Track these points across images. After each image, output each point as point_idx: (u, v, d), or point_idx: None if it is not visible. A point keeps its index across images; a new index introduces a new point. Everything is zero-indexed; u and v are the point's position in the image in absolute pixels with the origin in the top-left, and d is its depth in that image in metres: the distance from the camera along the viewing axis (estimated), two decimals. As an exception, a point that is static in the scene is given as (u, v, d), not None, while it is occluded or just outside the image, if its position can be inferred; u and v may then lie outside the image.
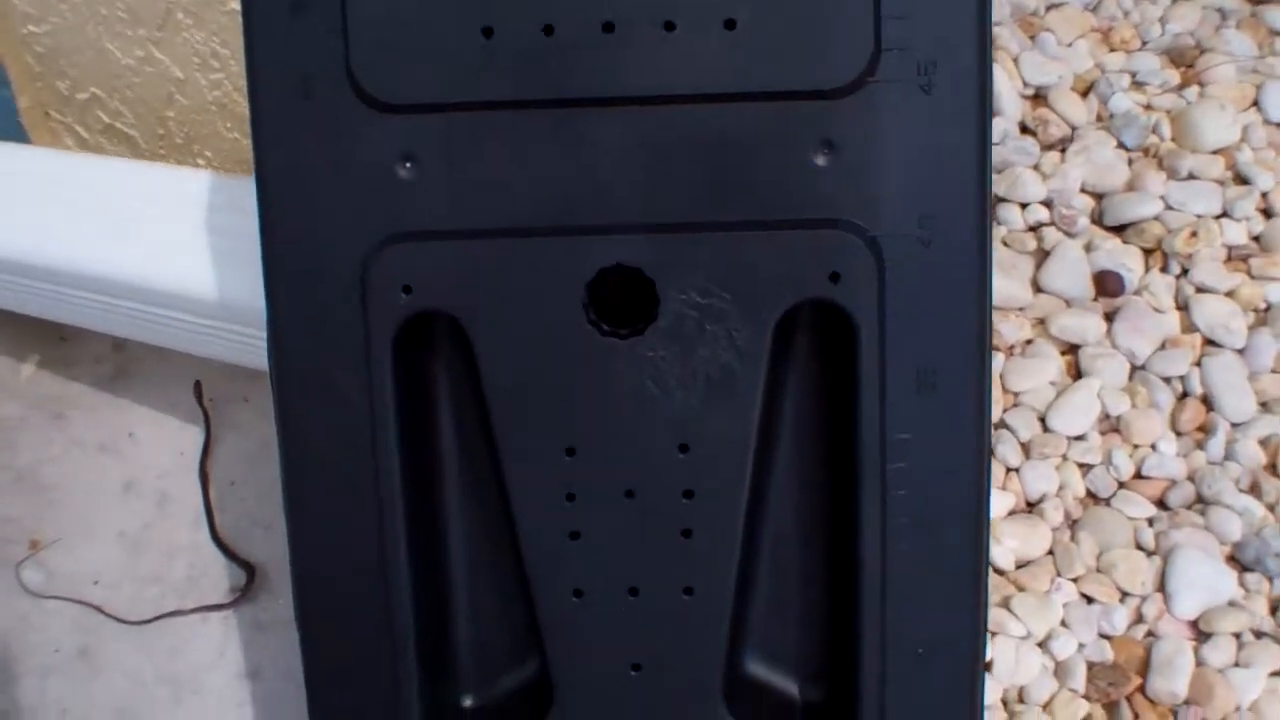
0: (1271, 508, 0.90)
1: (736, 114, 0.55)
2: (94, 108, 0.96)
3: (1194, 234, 0.99)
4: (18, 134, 0.99)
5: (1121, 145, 1.04)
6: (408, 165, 0.56)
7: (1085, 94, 1.07)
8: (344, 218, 0.57)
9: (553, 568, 0.59)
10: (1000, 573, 0.90)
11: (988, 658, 0.86)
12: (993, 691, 0.87)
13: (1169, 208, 1.01)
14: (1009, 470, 0.93)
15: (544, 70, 0.55)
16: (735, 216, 0.56)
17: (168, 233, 0.77)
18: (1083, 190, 1.02)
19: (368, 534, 0.59)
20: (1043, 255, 1.00)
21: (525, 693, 0.62)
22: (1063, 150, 1.04)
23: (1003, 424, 0.94)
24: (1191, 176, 1.02)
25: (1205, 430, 0.93)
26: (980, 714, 0.60)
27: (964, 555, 0.58)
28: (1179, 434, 0.94)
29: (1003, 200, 1.01)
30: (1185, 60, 1.09)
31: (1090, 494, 0.93)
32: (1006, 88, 1.05)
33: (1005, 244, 1.00)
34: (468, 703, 0.64)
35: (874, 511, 0.57)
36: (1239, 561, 0.89)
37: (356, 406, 0.58)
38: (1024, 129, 1.05)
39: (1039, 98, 1.07)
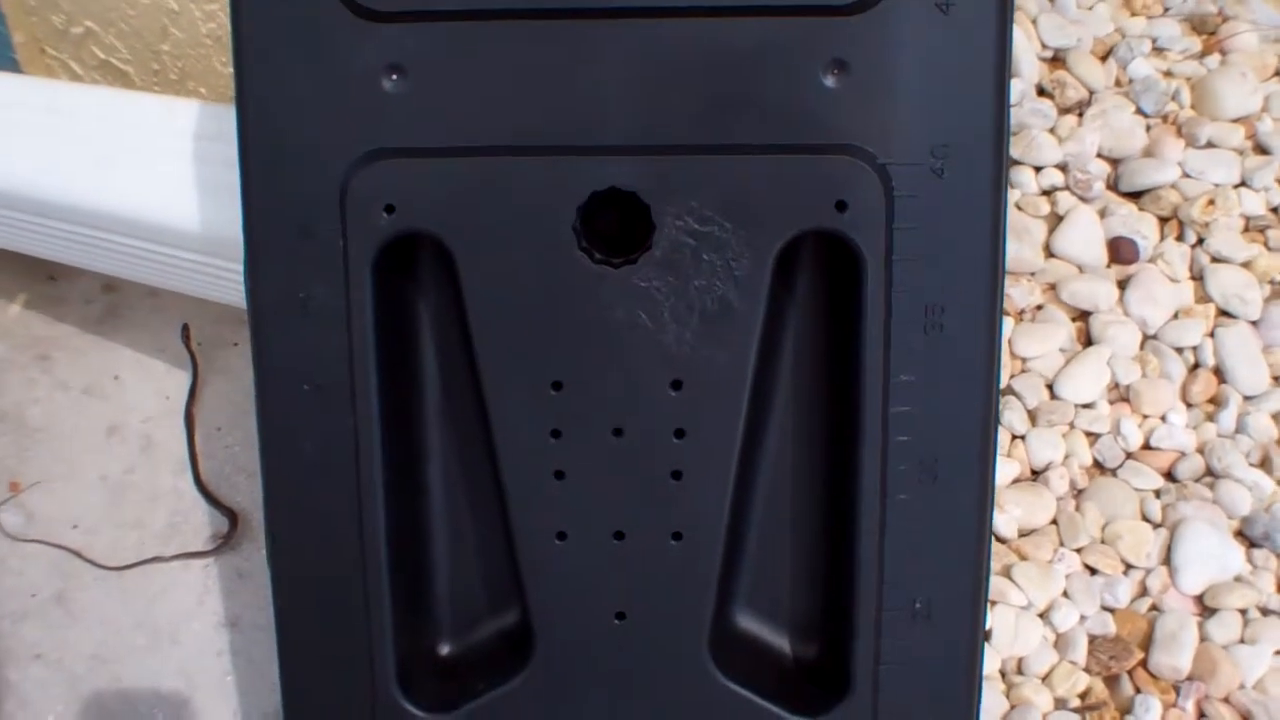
0: (1282, 483, 0.86)
1: (742, 29, 0.51)
2: (89, 42, 0.92)
3: (1211, 202, 0.95)
4: (12, 69, 0.95)
5: (1140, 111, 1.00)
6: (394, 77, 0.52)
7: (1104, 58, 1.04)
8: (326, 131, 0.53)
9: (535, 508, 0.56)
10: (1002, 541, 0.86)
11: (987, 626, 0.82)
12: (991, 662, 0.83)
13: (1186, 175, 0.97)
14: (1015, 437, 0.89)
15: (540, -21, 0.51)
16: (738, 139, 0.52)
17: (156, 164, 0.73)
18: (1099, 155, 0.99)
19: (343, 469, 0.55)
20: (1056, 220, 0.96)
21: (505, 641, 0.59)
22: (1080, 114, 1.00)
23: (1010, 390, 0.90)
24: (1210, 145, 0.98)
25: (1216, 403, 0.90)
26: (979, 672, 0.57)
27: (967, 506, 0.55)
28: (1190, 405, 0.90)
29: (1017, 163, 0.97)
30: (1207, 27, 1.05)
31: (1097, 464, 0.89)
32: (1024, 49, 1.01)
33: (1018, 207, 0.96)
34: (445, 650, 0.60)
35: (874, 457, 0.54)
36: (1247, 537, 0.86)
37: (334, 332, 0.54)
38: (1041, 91, 1.01)
39: (1057, 60, 1.03)
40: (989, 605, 0.83)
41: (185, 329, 0.91)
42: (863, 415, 0.53)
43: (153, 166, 0.74)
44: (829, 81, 0.51)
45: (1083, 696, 0.82)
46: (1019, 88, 1.00)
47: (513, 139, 0.52)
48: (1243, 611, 0.83)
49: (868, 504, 0.54)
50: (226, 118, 0.73)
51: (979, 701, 0.57)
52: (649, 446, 0.54)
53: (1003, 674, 0.83)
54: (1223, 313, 0.93)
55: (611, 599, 0.56)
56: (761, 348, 0.54)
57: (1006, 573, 0.85)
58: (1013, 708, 0.81)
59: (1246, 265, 0.94)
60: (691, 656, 0.56)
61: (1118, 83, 1.02)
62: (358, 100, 0.52)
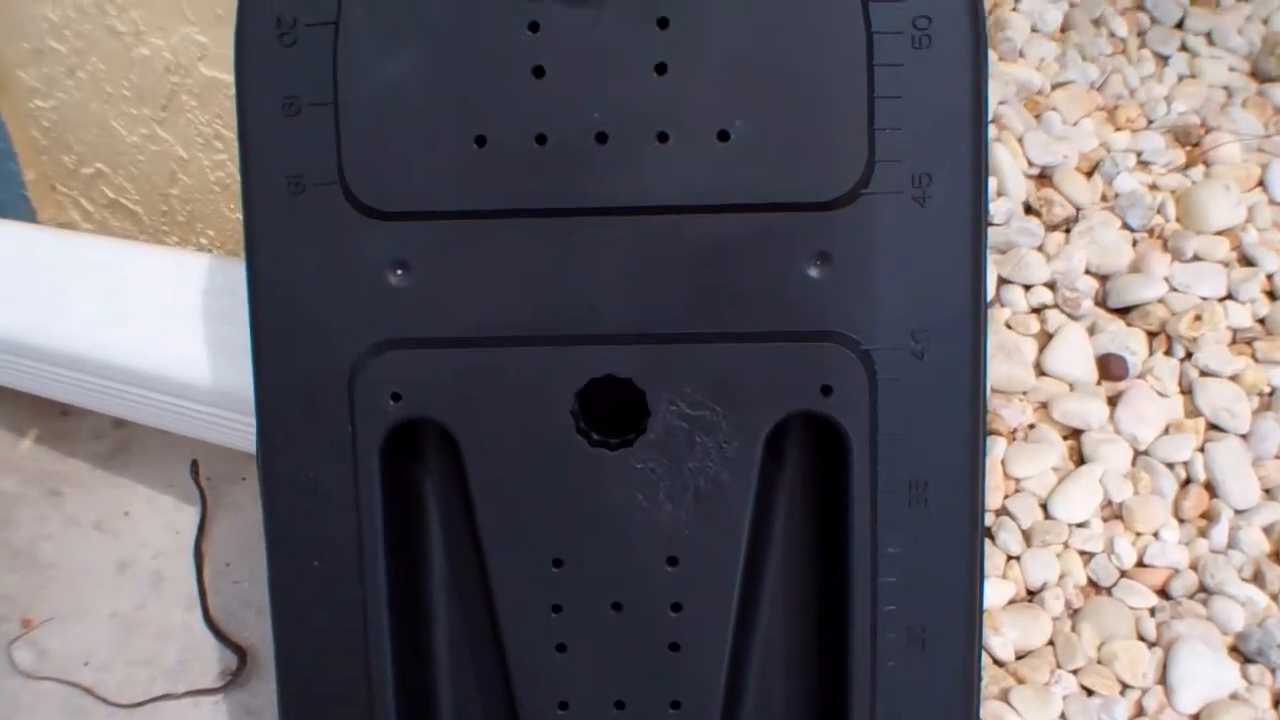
0: (1275, 597, 0.88)
1: (729, 225, 0.55)
2: (99, 183, 0.96)
3: (1198, 317, 0.98)
4: (24, 206, 0.99)
5: (1126, 226, 1.03)
6: (399, 272, 0.56)
7: (1090, 174, 1.07)
8: (335, 322, 0.56)
9: (538, 679, 0.59)
10: (999, 664, 0.89)
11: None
12: (992, 787, 0.85)
13: (1173, 289, 1.00)
14: (1010, 558, 0.92)
15: (537, 180, 0.55)
16: (727, 328, 0.55)
17: (166, 317, 0.77)
18: (1087, 272, 1.01)
19: (352, 639, 0.58)
20: (1046, 338, 0.99)
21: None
22: (1067, 231, 1.03)
23: (1004, 510, 0.93)
24: (1196, 258, 1.01)
25: (1208, 517, 0.92)
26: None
27: (954, 670, 0.57)
28: (1182, 521, 0.92)
29: (1006, 282, 1.00)
30: (1191, 139, 1.09)
31: (1092, 583, 0.91)
32: (1011, 168, 1.05)
33: (1009, 326, 0.99)
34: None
35: (863, 626, 0.56)
36: (1241, 653, 0.87)
37: (343, 512, 0.57)
38: (1028, 209, 1.04)
39: (1044, 177, 1.06)
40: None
41: (194, 465, 0.94)
42: (852, 586, 0.56)
43: (162, 320, 0.77)
44: (813, 272, 0.55)
45: (1081, 820, 0.84)
46: (1006, 206, 1.04)
47: (513, 329, 0.55)
48: (1238, 730, 0.85)
49: (859, 671, 0.57)
50: (235, 272, 0.77)
51: None
52: (647, 620, 0.57)
53: (1002, 800, 0.85)
54: (1212, 426, 0.95)
55: (614, 768, 0.59)
56: (753, 524, 0.57)
57: (1004, 697, 0.87)
58: (1014, 834, 0.83)
59: (1234, 378, 0.96)
60: (691, 822, 0.59)
61: (1104, 198, 1.05)
62: (365, 293, 0.56)
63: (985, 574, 0.58)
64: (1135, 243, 1.03)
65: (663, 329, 0.55)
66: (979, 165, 0.55)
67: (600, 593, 0.58)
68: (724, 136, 0.54)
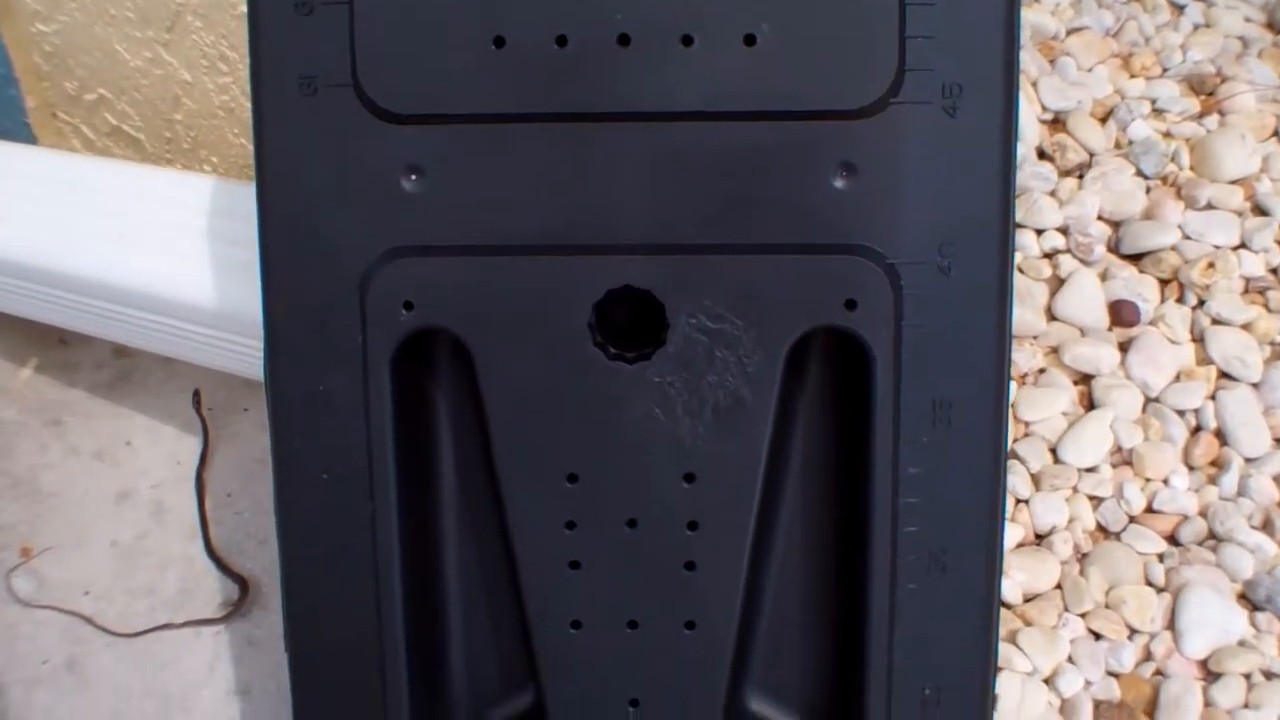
0: (1284, 545, 0.87)
1: (754, 133, 0.53)
2: (101, 109, 0.94)
3: (1211, 265, 0.96)
4: (25, 134, 0.97)
5: (1140, 173, 1.02)
6: (413, 177, 0.54)
7: (1104, 120, 1.05)
8: (346, 229, 0.54)
9: (551, 597, 0.57)
10: (1008, 606, 0.87)
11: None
12: (998, 728, 0.84)
13: (1187, 237, 0.98)
14: (1019, 502, 0.90)
15: (556, 83, 0.53)
16: (750, 239, 0.53)
17: (170, 239, 0.75)
18: (1100, 218, 1.00)
19: (361, 556, 0.56)
20: (1058, 283, 0.98)
21: (519, 724, 0.60)
22: (1080, 176, 1.02)
23: (1013, 454, 0.91)
24: (1210, 206, 1.00)
25: (1218, 465, 0.91)
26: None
27: (975, 595, 0.56)
28: (1192, 468, 0.91)
29: (1019, 226, 0.99)
30: (1206, 88, 1.07)
31: (1101, 528, 0.90)
32: (1025, 112, 1.03)
33: (1020, 270, 0.98)
34: (461, 734, 0.61)
35: (883, 547, 0.55)
36: (1250, 600, 0.86)
37: (353, 425, 0.55)
38: (1041, 154, 1.03)
39: (1057, 123, 1.04)
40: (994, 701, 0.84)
41: (196, 395, 0.92)
42: (872, 507, 0.55)
43: (166, 241, 0.75)
44: (838, 183, 0.53)
45: (1088, 763, 0.83)
46: (1020, 151, 1.02)
47: (529, 238, 0.54)
48: (1247, 676, 0.83)
49: (878, 593, 0.55)
50: (240, 194, 0.75)
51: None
52: (662, 538, 0.56)
53: (1009, 741, 0.84)
54: (1224, 375, 0.94)
55: (626, 686, 0.57)
56: (773, 441, 0.55)
57: (1012, 639, 0.86)
58: (1019, 775, 0.82)
59: (1246, 327, 0.95)
60: (705, 740, 0.57)
61: (1117, 145, 1.04)
62: (378, 199, 0.54)
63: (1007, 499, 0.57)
64: (1149, 190, 1.01)
65: (684, 240, 0.53)
66: (1011, 78, 0.54)
67: (615, 509, 0.56)
68: (750, 41, 0.52)
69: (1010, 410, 0.92)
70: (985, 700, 0.57)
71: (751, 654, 0.59)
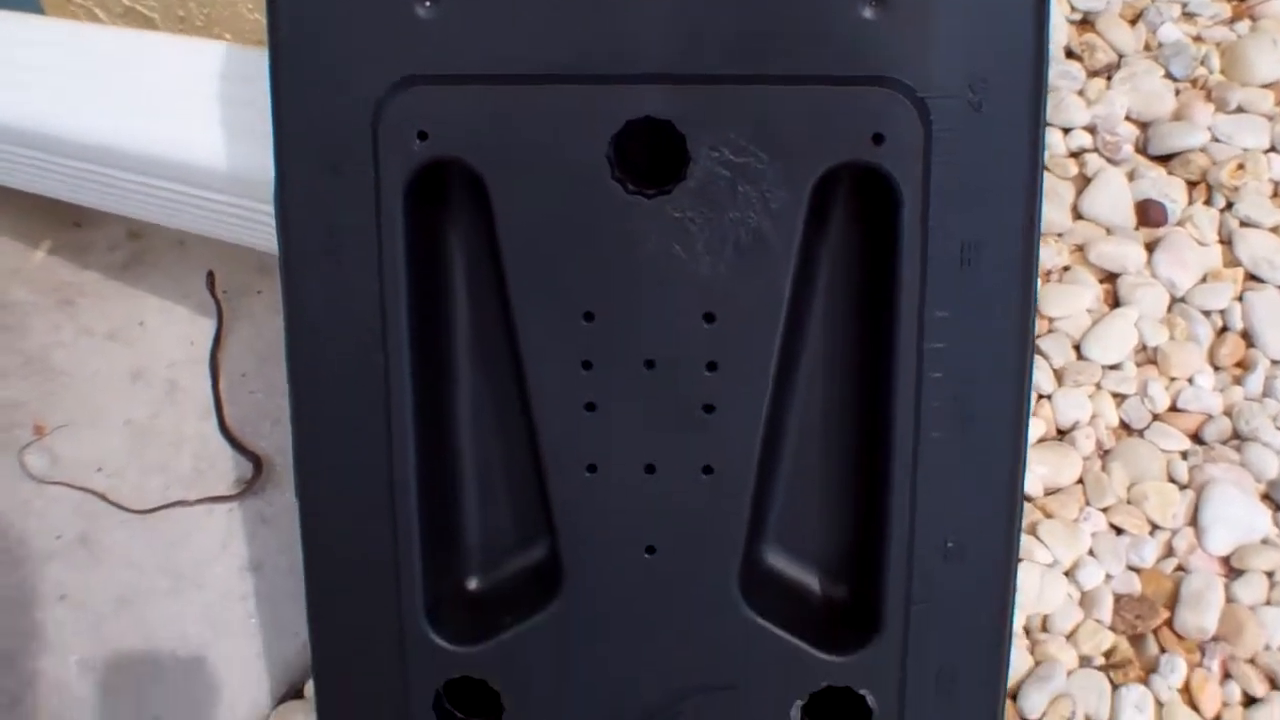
0: (1310, 447, 0.85)
1: (781, -42, 0.51)
2: (116, -13, 0.92)
3: (1241, 166, 0.94)
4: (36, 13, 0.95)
5: (1169, 75, 0.99)
6: (428, 3, 0.52)
7: (1134, 22, 1.02)
8: (358, 57, 0.52)
9: (566, 440, 0.55)
10: (1028, 499, 0.86)
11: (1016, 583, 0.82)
12: (1017, 619, 0.83)
13: (1216, 140, 0.96)
14: (1041, 397, 0.89)
15: (577, -95, 0.51)
16: (775, 70, 0.51)
17: (183, 105, 0.73)
18: (1128, 119, 0.98)
19: (372, 400, 0.55)
20: (1084, 182, 0.95)
21: (534, 574, 0.58)
22: (1108, 77, 0.99)
23: (1037, 349, 0.89)
24: (1240, 110, 0.97)
25: (1244, 366, 0.89)
26: (1011, 614, 0.56)
27: (1001, 445, 0.54)
28: (1217, 369, 0.89)
29: (1046, 125, 0.96)
30: (1238, -7, 1.04)
31: (1124, 424, 0.89)
32: (1053, 10, 1.00)
33: (1047, 169, 0.95)
34: (474, 584, 0.60)
35: (907, 394, 0.53)
36: (1274, 500, 0.85)
37: (365, 263, 0.53)
38: (1069, 54, 1.00)
39: (1086, 23, 1.02)
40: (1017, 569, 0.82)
41: (210, 276, 0.90)
42: (897, 351, 0.53)
43: (178, 107, 0.73)
44: (867, 13, 0.51)
45: (1107, 654, 0.81)
46: (1048, 50, 0.99)
47: (547, 67, 0.52)
48: (1269, 574, 0.82)
49: (900, 441, 0.54)
50: (253, 60, 0.73)
51: (1010, 642, 0.56)
52: (681, 379, 0.54)
53: (1027, 630, 0.82)
54: (1251, 277, 0.92)
55: (641, 533, 0.56)
56: (795, 281, 0.53)
57: (1032, 530, 0.84)
58: (1037, 664, 0.80)
59: (1275, 230, 0.93)
60: (721, 591, 0.56)
61: (1147, 47, 1.01)
62: (391, 26, 0.52)
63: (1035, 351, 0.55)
64: (1178, 92, 0.99)
65: (707, 70, 0.51)
66: (1048, -94, 0.51)
67: (632, 349, 0.54)
68: None
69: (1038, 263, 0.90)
70: (1010, 555, 0.55)
71: (770, 504, 0.57)
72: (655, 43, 0.51)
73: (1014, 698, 0.79)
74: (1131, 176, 0.95)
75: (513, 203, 0.53)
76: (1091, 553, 0.84)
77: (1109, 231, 0.94)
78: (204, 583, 0.81)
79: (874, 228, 0.53)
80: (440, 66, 0.52)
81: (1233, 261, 0.93)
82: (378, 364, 0.54)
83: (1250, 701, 0.78)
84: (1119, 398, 0.89)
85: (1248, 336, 0.90)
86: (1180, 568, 0.83)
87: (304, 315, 0.55)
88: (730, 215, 0.52)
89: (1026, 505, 0.85)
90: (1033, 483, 0.86)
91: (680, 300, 0.53)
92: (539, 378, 0.55)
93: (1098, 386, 0.89)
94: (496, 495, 0.59)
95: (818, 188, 0.52)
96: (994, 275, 0.52)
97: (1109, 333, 0.90)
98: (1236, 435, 0.87)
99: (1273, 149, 0.96)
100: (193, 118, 0.72)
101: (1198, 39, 1.01)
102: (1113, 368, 0.90)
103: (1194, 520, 0.84)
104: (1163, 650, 0.81)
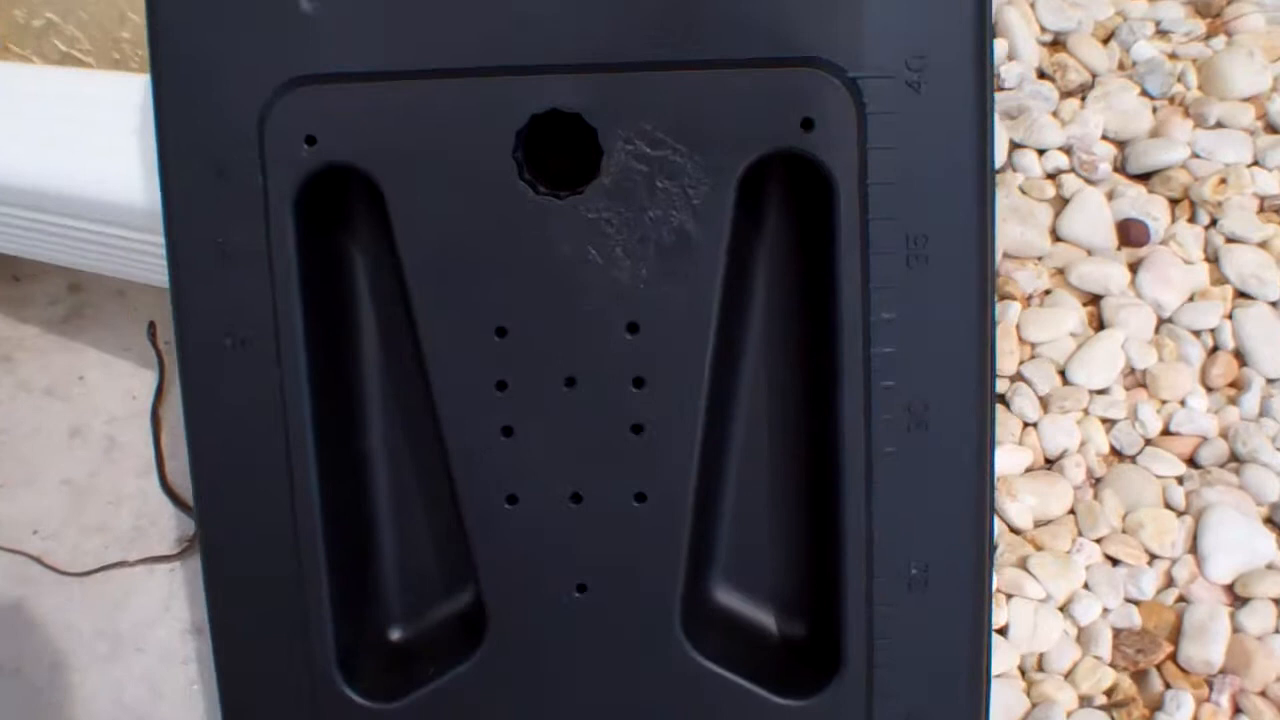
0: (1313, 468, 0.79)
1: (693, -69, 0.45)
2: (50, 35, 0.87)
3: (1223, 181, 0.88)
4: (-19, 72, 0.91)
5: (1145, 93, 0.94)
6: (314, -2, 0.46)
7: (1106, 41, 0.97)
8: (242, 60, 0.47)
9: (482, 469, 0.49)
10: (1017, 531, 0.79)
11: (1003, 622, 0.75)
12: (1010, 658, 0.76)
13: (1196, 156, 0.90)
14: (1026, 425, 0.82)
15: (468, -116, 0.45)
16: (692, 54, 0.45)
17: (119, 142, 0.68)
18: (1104, 138, 0.92)
19: (271, 431, 0.49)
20: (1061, 203, 0.90)
21: (460, 620, 0.52)
22: (1083, 97, 0.94)
23: (1019, 376, 0.83)
24: (1220, 125, 0.92)
25: (1238, 386, 0.83)
26: (988, 643, 0.49)
27: (964, 457, 0.47)
28: (1210, 389, 0.83)
29: (1019, 146, 0.91)
30: (1211, 10, 0.99)
31: (1114, 451, 0.82)
32: (1023, 33, 0.95)
33: (1022, 191, 0.90)
34: (395, 635, 0.53)
35: (856, 405, 0.47)
36: (1276, 523, 0.78)
37: (255, 279, 0.48)
38: (1041, 74, 0.95)
39: (1057, 44, 0.96)
40: (1004, 599, 0.76)
41: (152, 327, 0.85)
42: (841, 359, 0.47)
43: (112, 144, 0.68)
44: (790, -14, 0.45)
45: (1109, 693, 0.74)
46: (1018, 70, 0.94)
47: (442, 60, 0.46)
48: (1276, 601, 0.75)
49: (851, 459, 0.47)
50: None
51: (988, 676, 0.50)
52: (605, 397, 0.48)
53: (1022, 671, 0.76)
54: (1240, 294, 0.86)
55: (570, 569, 0.49)
56: (726, 285, 0.47)
57: (1023, 564, 0.77)
58: (1034, 706, 0.73)
59: (1263, 245, 0.87)
60: (662, 633, 0.49)
61: (1121, 66, 0.96)
62: (274, 24, 0.46)
63: (996, 350, 0.49)
64: (1155, 110, 0.93)
65: (617, 56, 0.45)
66: None
67: (550, 366, 0.48)
68: None
69: (1013, 330, 0.84)
70: (981, 578, 0.48)
71: (713, 534, 0.51)
72: (559, 29, 0.45)
73: (1007, 743, 0.72)
74: (1111, 196, 0.89)
75: (412, 211, 0.47)
76: (1087, 586, 0.77)
77: (1090, 253, 0.88)
78: (145, 646, 0.75)
79: (809, 223, 0.47)
80: (327, 64, 0.46)
81: (1220, 279, 0.86)
82: (274, 396, 0.48)
83: (1262, 738, 0.71)
84: (1108, 423, 0.83)
85: (1240, 355, 0.84)
86: (1182, 598, 0.77)
87: (194, 341, 0.49)
88: (650, 214, 0.46)
89: (1015, 538, 0.79)
90: (1021, 514, 0.79)
91: (600, 310, 0.47)
92: (450, 402, 0.48)
93: (1085, 412, 0.83)
94: (418, 536, 0.52)
95: (744, 181, 0.46)
96: (944, 271, 0.46)
97: (1095, 356, 0.84)
98: (1234, 457, 0.81)
99: (1255, 163, 0.90)
100: (128, 155, 0.67)
101: (1173, 56, 0.96)
102: (1100, 392, 0.83)
103: (1194, 548, 0.78)
104: (1167, 686, 0.74)
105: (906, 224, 0.46)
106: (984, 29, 0.46)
